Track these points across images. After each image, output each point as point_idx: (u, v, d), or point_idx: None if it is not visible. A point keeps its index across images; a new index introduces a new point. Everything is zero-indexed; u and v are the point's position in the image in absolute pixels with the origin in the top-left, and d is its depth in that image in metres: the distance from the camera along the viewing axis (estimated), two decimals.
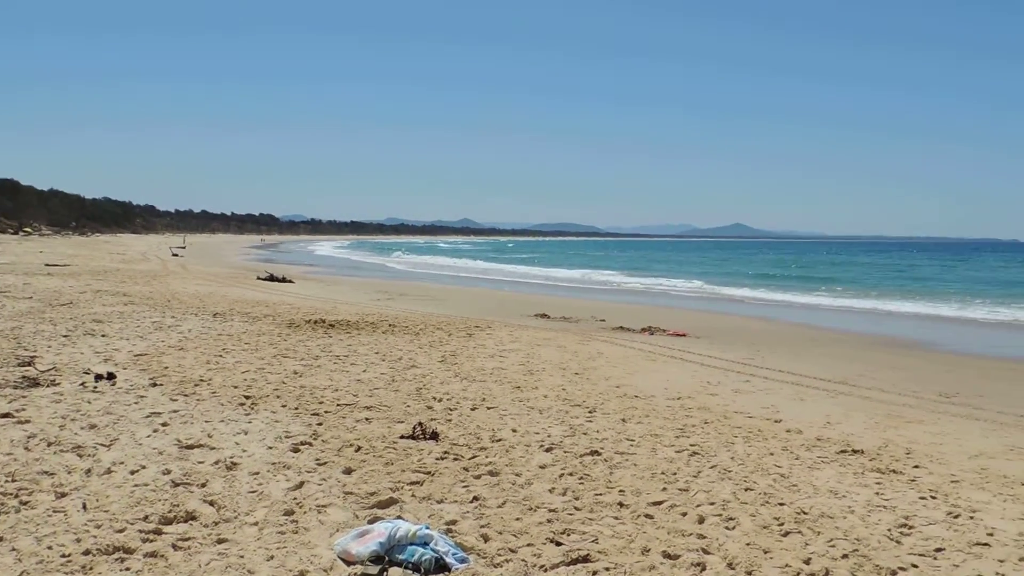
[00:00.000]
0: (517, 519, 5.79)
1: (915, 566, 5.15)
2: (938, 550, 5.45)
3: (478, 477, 6.82)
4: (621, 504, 6.25)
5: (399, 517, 5.62)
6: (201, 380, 10.45)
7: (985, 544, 5.58)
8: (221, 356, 12.52)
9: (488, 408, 9.76)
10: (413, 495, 6.27)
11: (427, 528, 5.19)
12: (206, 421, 8.31)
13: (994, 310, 31.10)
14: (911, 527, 5.92)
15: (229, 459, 6.92)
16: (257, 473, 6.63)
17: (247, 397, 9.57)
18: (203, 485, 6.22)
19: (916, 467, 7.77)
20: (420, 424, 8.26)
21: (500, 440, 8.14)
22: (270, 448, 7.42)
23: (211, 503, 5.82)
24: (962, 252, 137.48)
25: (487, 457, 7.47)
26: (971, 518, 6.18)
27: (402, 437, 7.99)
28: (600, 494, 6.48)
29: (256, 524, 5.47)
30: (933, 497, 6.73)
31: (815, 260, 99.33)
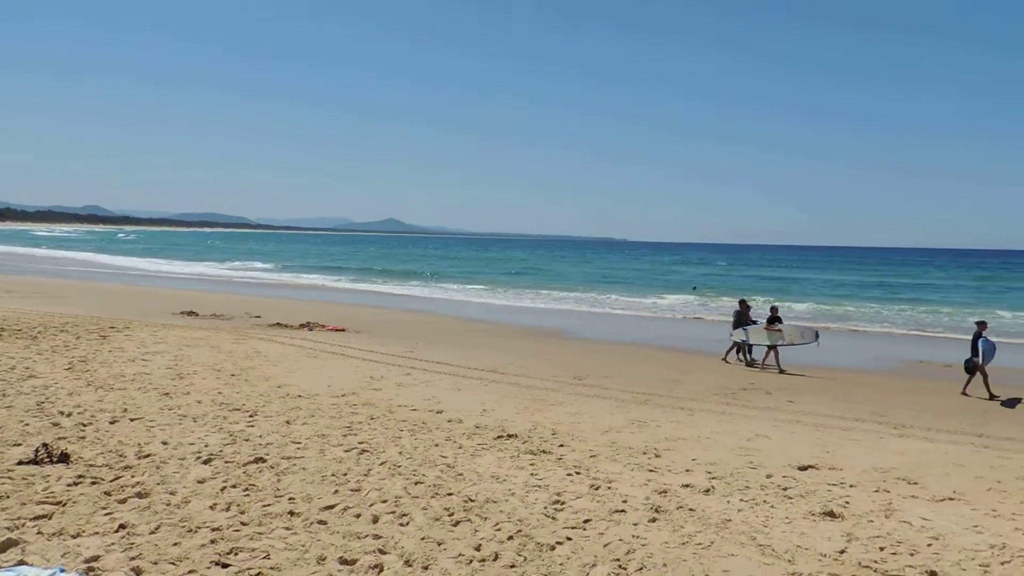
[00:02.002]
0: (175, 544, 5.18)
1: (569, 539, 5.66)
2: (587, 521, 6.05)
3: (123, 501, 5.98)
4: (292, 513, 5.93)
5: (22, 562, 4.68)
6: None
7: (622, 511, 6.34)
8: None
9: (132, 420, 8.65)
10: (39, 532, 5.27)
11: (61, 571, 4.39)
12: None
13: (617, 300, 36.07)
14: (563, 502, 6.50)
15: None
16: None
17: None
18: None
19: (561, 446, 8.59)
20: (45, 445, 7.02)
21: (149, 456, 7.25)
22: None
23: None
24: (582, 250, 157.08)
25: (134, 477, 6.60)
26: (609, 488, 6.99)
27: (20, 463, 6.70)
28: (268, 505, 6.09)
29: None
30: (578, 472, 7.48)
31: (464, 256, 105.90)
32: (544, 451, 8.30)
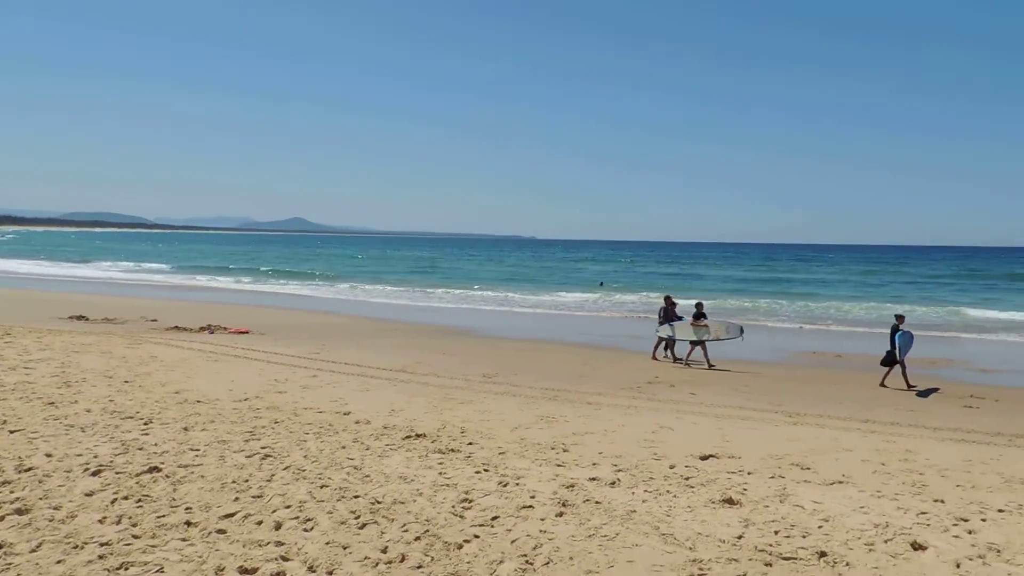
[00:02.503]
0: (59, 562, 4.89)
1: (477, 536, 5.65)
2: (494, 518, 6.06)
3: (1, 519, 5.60)
4: (189, 523, 5.69)
5: None
6: None
7: (530, 506, 6.38)
8: None
9: (11, 432, 8.12)
10: None
11: None
12: None
13: (524, 298, 36.33)
14: (471, 500, 6.49)
15: None
16: None
17: None
18: None
19: (470, 444, 8.58)
20: None
21: (30, 469, 6.81)
22: None
23: None
24: (491, 248, 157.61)
25: (13, 492, 6.19)
26: (517, 484, 7.02)
27: None
28: (163, 516, 5.82)
29: None
30: (486, 470, 7.49)
31: (371, 255, 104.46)
32: (453, 450, 8.27)
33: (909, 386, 14.18)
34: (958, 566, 5.25)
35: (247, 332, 19.29)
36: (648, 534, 5.78)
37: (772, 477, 7.56)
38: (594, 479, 7.25)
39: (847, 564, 5.25)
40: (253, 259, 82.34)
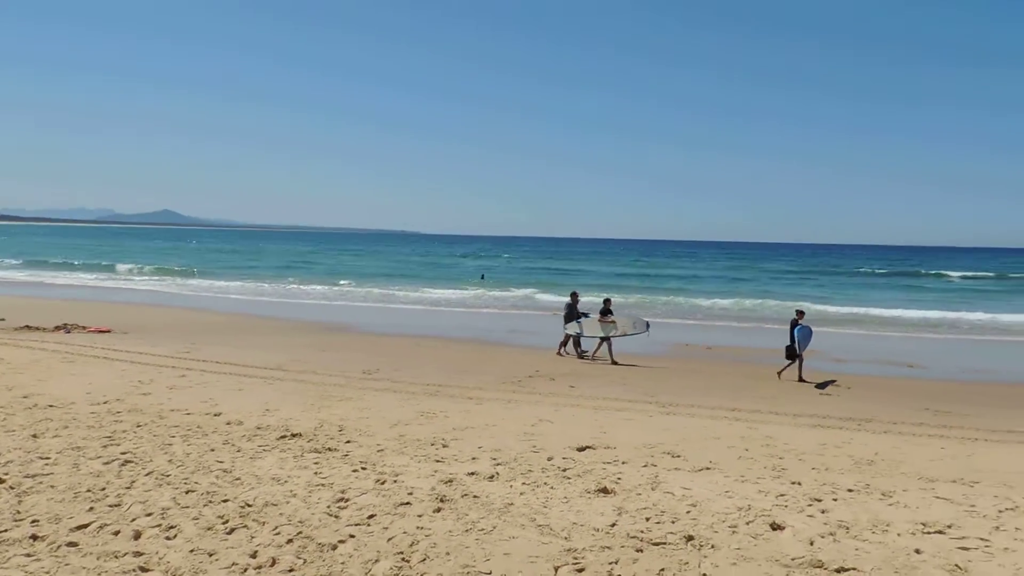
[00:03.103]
0: None
1: (352, 536, 5.52)
2: (371, 516, 5.94)
3: None
4: (35, 537, 5.27)
5: None
6: None
7: (407, 503, 6.30)
8: None
9: None
10: None
11: None
12: None
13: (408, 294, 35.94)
14: (347, 499, 6.34)
15: None
16: None
17: None
18: None
19: (348, 442, 8.39)
20: None
21: None
22: None
23: None
24: (372, 243, 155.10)
25: None
26: (395, 482, 6.92)
27: None
28: (5, 531, 5.36)
29: None
30: (364, 468, 7.34)
31: (245, 250, 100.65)
32: (330, 448, 8.07)
33: (801, 379, 14.68)
34: (811, 543, 5.59)
35: (108, 331, 18.15)
36: (525, 526, 5.83)
37: (645, 466, 7.81)
38: (473, 474, 7.25)
39: (712, 546, 5.49)
40: (111, 254, 77.43)
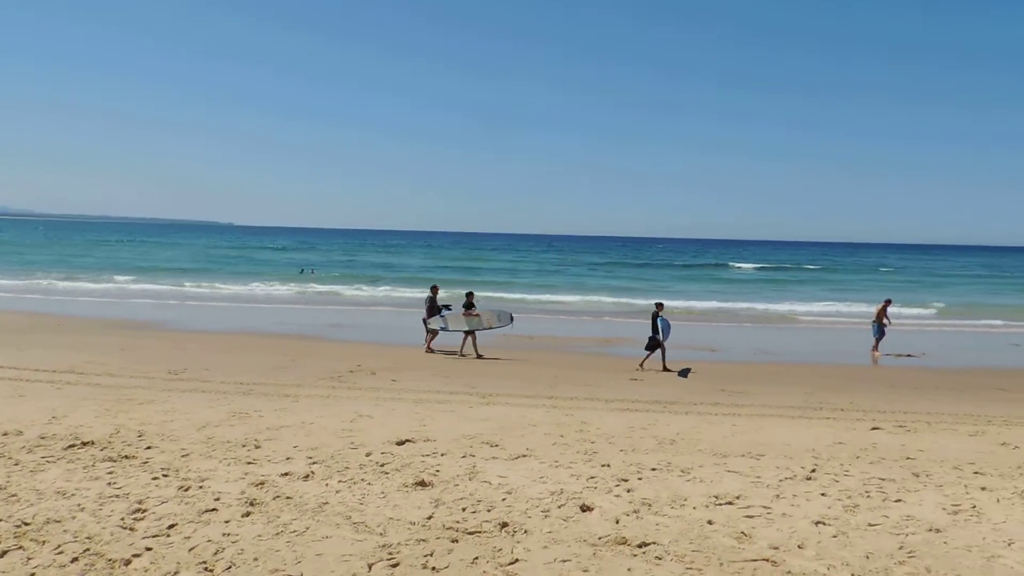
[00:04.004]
0: None
1: (149, 549, 5.13)
2: (171, 526, 5.55)
3: None
4: None
5: None
6: None
7: (213, 510, 5.95)
8: None
9: None
10: None
11: None
12: None
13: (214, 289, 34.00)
14: (145, 510, 5.88)
15: None
16: None
17: None
18: None
19: (149, 448, 7.80)
20: None
21: None
22: None
23: None
24: (172, 234, 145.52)
25: None
26: (200, 488, 6.51)
27: None
28: None
29: None
30: (165, 475, 6.85)
31: (28, 242, 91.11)
32: (127, 456, 7.45)
33: (665, 368, 15.30)
34: (617, 522, 5.89)
35: None
36: (340, 524, 5.69)
37: (464, 456, 7.88)
38: (287, 474, 6.98)
39: (526, 531, 5.63)
40: None
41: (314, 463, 7.43)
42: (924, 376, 15.78)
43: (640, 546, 5.38)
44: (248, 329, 20.44)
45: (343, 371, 13.87)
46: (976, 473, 7.72)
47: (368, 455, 7.82)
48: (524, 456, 7.98)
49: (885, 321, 19.51)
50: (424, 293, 19.48)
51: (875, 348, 19.04)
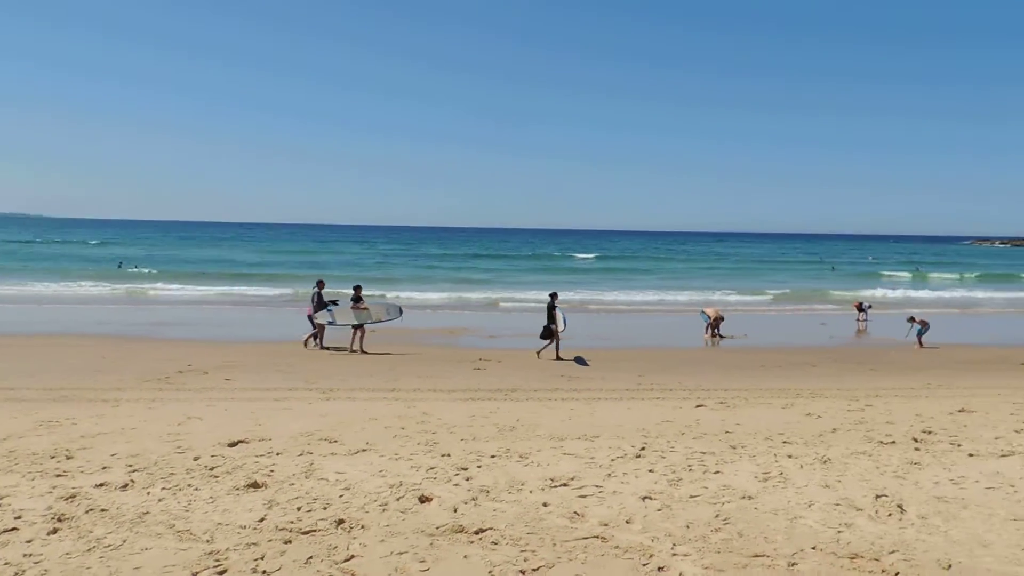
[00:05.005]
0: None
1: None
2: None
3: None
4: None
5: None
6: None
7: (13, 529, 5.40)
8: None
9: None
10: None
11: None
12: None
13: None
14: None
15: None
16: None
17: None
18: None
19: None
20: None
21: None
22: None
23: None
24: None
25: None
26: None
27: None
28: None
29: None
30: None
31: None
32: None
33: (558, 357, 15.55)
34: (455, 510, 5.92)
35: None
36: (162, 534, 5.35)
37: (301, 454, 7.64)
38: (102, 485, 6.46)
39: (362, 527, 5.54)
40: None
41: (134, 471, 6.94)
42: (748, 356, 17.05)
43: (477, 532, 5.45)
44: (61, 330, 18.77)
45: (171, 372, 13.06)
46: (785, 442, 8.44)
47: (196, 459, 7.40)
48: (364, 451, 7.85)
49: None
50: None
51: (710, 333, 20.32)
